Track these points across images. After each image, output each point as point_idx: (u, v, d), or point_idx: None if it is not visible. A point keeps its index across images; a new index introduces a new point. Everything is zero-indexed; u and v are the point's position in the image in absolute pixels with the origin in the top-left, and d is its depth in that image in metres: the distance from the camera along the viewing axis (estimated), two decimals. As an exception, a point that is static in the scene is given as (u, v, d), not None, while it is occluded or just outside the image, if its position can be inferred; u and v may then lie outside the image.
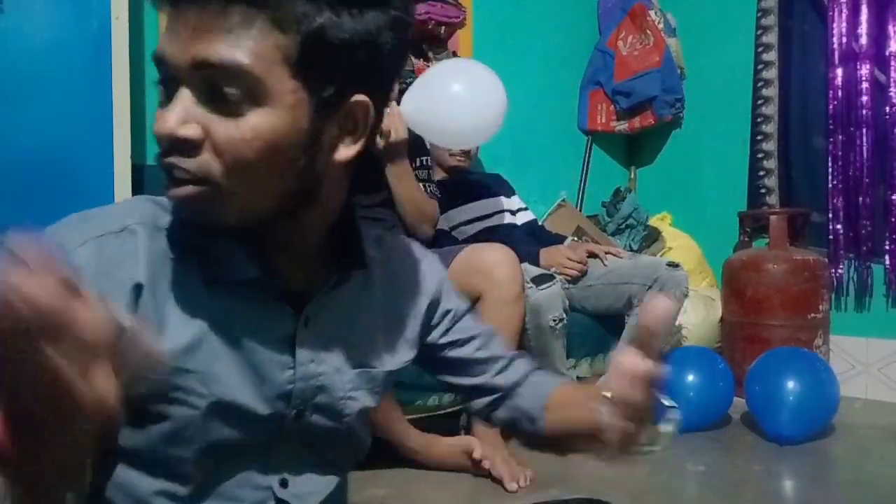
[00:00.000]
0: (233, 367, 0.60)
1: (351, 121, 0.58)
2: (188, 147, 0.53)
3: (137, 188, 1.75)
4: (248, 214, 0.56)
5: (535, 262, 1.94)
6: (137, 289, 0.56)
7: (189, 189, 0.54)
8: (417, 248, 0.81)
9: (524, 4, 2.98)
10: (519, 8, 2.96)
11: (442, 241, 1.91)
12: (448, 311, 0.80)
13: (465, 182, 2.16)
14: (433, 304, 0.78)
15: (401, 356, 0.75)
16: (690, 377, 1.96)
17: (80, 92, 1.62)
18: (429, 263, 0.80)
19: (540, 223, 2.37)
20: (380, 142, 1.67)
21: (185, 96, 0.52)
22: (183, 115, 0.52)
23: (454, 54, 2.68)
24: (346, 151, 0.59)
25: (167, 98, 0.54)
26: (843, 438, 1.91)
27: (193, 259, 0.60)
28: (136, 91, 1.85)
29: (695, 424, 1.96)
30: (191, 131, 0.52)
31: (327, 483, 0.70)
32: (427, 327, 0.78)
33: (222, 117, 0.52)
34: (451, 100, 1.74)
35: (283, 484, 0.66)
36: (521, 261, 1.69)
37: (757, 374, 1.94)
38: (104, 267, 0.55)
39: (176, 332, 0.58)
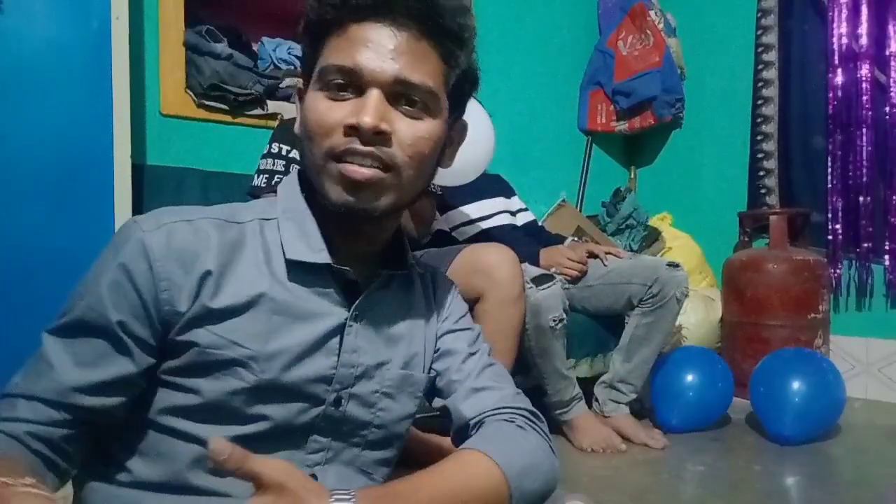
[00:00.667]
0: (285, 344, 0.66)
1: (454, 137, 0.77)
2: (381, 139, 0.65)
3: (137, 188, 1.75)
4: (397, 205, 0.69)
5: (536, 262, 1.93)
6: (206, 275, 0.65)
7: (377, 172, 0.65)
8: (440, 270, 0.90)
9: (524, 4, 2.98)
10: (519, 8, 2.96)
11: (442, 242, 1.91)
12: (447, 323, 0.84)
13: (468, 182, 2.15)
14: (444, 316, 0.84)
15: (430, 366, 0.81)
16: (690, 377, 1.96)
17: (79, 92, 1.62)
18: (452, 285, 0.88)
19: (540, 224, 2.36)
20: None
21: (377, 98, 0.65)
22: (379, 113, 0.64)
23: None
24: (447, 161, 0.77)
25: (339, 94, 0.66)
26: (843, 438, 1.91)
27: (268, 245, 0.69)
28: (136, 91, 1.85)
29: (694, 424, 1.96)
30: (387, 126, 0.65)
31: (355, 487, 0.71)
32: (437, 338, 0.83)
33: (407, 119, 0.67)
34: None
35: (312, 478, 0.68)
36: (521, 261, 1.69)
37: (762, 375, 1.92)
38: (174, 251, 0.64)
39: (231, 295, 0.65)
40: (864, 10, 2.49)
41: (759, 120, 2.84)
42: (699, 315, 2.57)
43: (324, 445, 0.70)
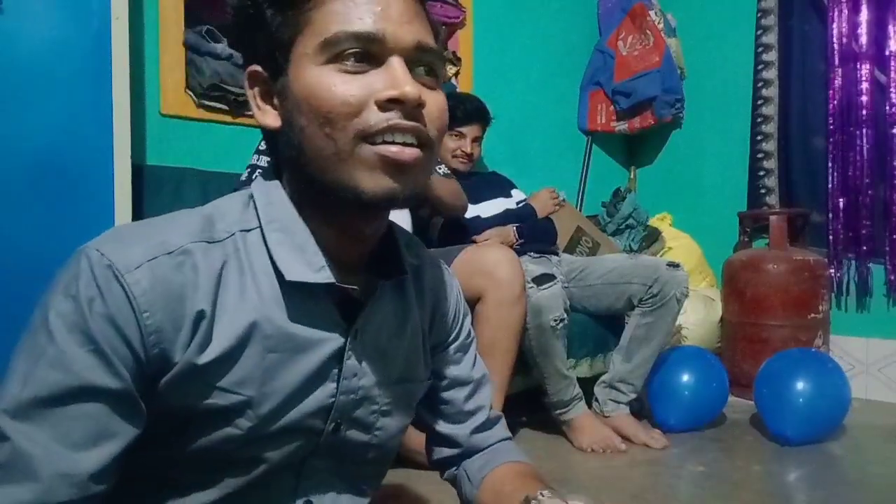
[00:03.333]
0: (283, 382, 0.59)
1: None
2: (419, 113, 0.57)
3: (137, 188, 1.75)
4: (420, 191, 0.60)
5: (534, 229, 2.08)
6: (199, 318, 0.55)
7: (417, 152, 0.57)
8: (437, 258, 0.80)
9: (524, 4, 2.98)
10: (519, 8, 2.96)
11: (445, 242, 1.91)
12: (457, 335, 0.78)
13: (468, 184, 2.15)
14: (450, 318, 0.77)
15: (429, 369, 0.75)
16: (685, 377, 1.96)
17: (80, 92, 1.62)
18: (450, 274, 0.80)
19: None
20: None
21: (403, 69, 0.56)
22: (416, 83, 0.57)
23: (454, 54, 2.68)
24: None
25: (358, 66, 0.56)
26: (843, 438, 1.91)
27: (253, 265, 0.59)
28: (136, 91, 1.85)
29: (689, 424, 1.97)
30: (425, 98, 0.57)
31: None
32: (437, 342, 0.76)
33: (429, 90, 0.59)
34: None
35: None
36: (527, 238, 1.73)
37: (766, 376, 1.91)
38: (161, 295, 0.53)
39: (223, 340, 0.56)
40: (864, 10, 2.49)
41: (759, 120, 2.84)
42: (699, 315, 2.57)
43: (320, 472, 0.65)
